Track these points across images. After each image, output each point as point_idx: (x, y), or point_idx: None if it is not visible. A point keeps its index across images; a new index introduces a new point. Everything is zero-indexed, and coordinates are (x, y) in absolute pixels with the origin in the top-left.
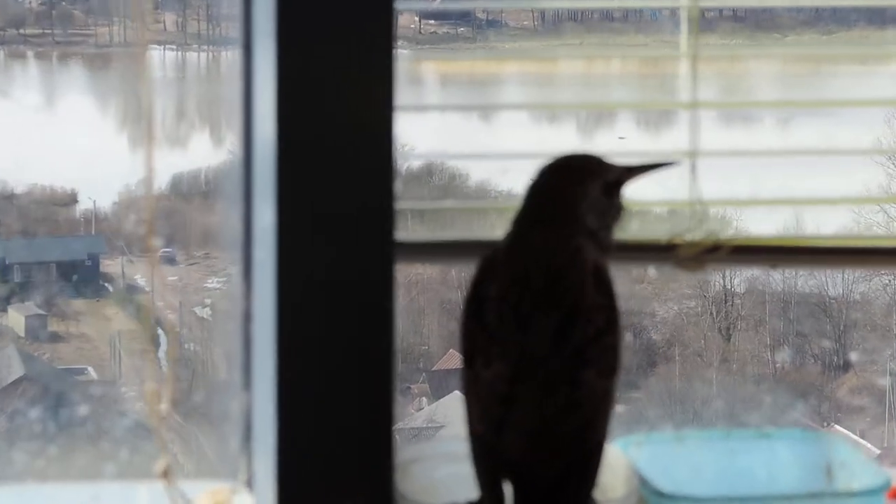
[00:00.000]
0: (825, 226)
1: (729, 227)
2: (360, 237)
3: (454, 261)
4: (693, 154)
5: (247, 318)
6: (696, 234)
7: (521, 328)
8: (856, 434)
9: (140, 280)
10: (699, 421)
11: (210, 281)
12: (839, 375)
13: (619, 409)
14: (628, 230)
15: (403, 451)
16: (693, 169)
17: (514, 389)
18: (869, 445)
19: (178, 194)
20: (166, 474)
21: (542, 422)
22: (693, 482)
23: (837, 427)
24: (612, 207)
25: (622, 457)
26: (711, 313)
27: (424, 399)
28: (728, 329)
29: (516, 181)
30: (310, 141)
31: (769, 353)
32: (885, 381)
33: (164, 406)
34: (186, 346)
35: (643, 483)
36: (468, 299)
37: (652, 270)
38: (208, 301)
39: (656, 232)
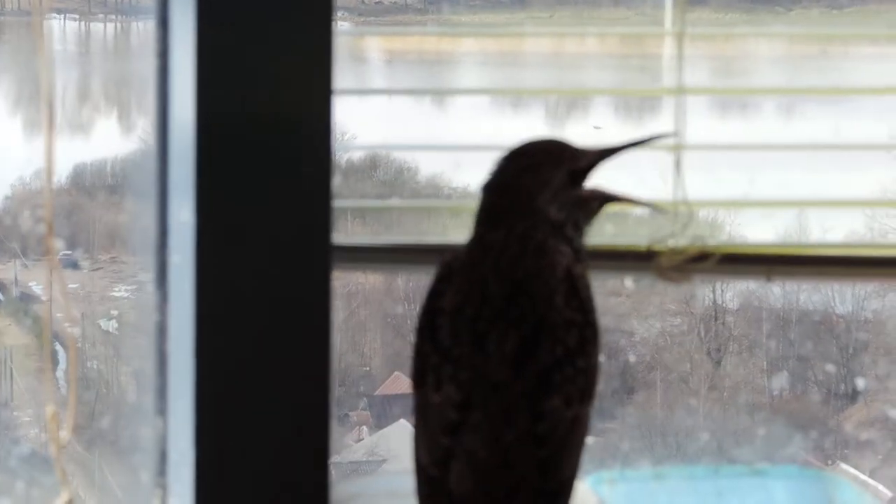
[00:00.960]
0: (832, 231)
1: (719, 233)
2: (293, 240)
3: (401, 267)
4: (678, 147)
5: (161, 332)
6: (680, 240)
7: (478, 346)
8: (865, 473)
9: (36, 288)
10: (682, 456)
11: (117, 289)
12: (846, 406)
13: (590, 441)
14: (602, 234)
15: (341, 488)
16: (678, 164)
17: (465, 417)
18: (880, 487)
19: (81, 188)
20: None
21: (496, 456)
22: None
23: (843, 465)
24: (583, 202)
25: (592, 496)
26: (699, 332)
27: (365, 428)
28: (718, 351)
29: (473, 176)
30: (234, 128)
31: (765, 380)
32: None
33: (64, 433)
34: (89, 363)
35: None
36: (422, 312)
37: (629, 282)
38: (115, 312)
39: (635, 237)
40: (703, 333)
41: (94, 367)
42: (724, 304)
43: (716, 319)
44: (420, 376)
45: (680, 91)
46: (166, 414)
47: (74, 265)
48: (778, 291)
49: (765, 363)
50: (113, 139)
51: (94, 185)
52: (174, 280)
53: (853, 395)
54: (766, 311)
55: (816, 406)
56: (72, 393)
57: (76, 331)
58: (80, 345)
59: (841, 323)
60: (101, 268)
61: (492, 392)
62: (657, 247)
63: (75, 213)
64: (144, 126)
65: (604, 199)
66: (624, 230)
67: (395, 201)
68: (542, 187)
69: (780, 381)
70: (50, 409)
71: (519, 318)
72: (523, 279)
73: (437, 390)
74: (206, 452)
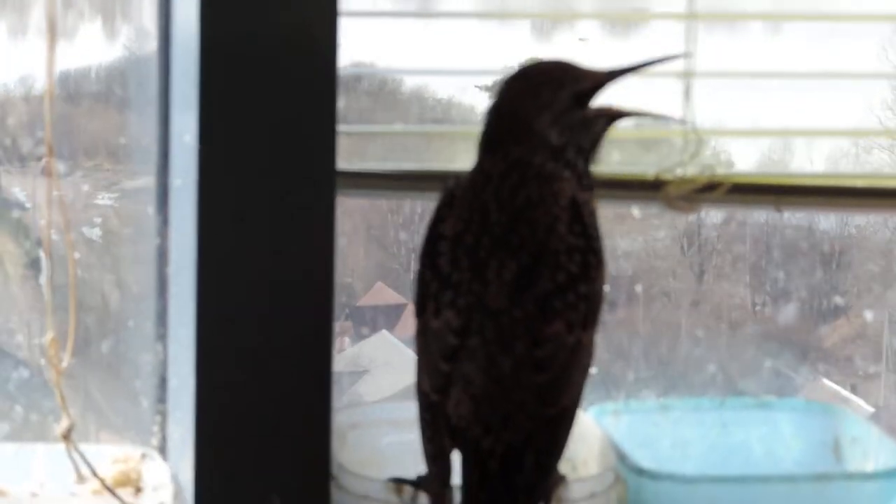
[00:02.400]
0: (842, 160)
1: (726, 161)
2: (298, 165)
3: (405, 195)
4: (688, 73)
5: (161, 257)
6: (689, 169)
7: (477, 273)
8: (846, 388)
9: (20, 194)
10: (665, 370)
11: (101, 197)
12: (829, 321)
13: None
14: (608, 162)
15: (341, 416)
16: (687, 91)
17: (464, 343)
18: (861, 402)
19: (65, 96)
20: (67, 436)
21: (493, 382)
22: (679, 458)
23: (825, 380)
24: (588, 123)
25: (596, 428)
26: (682, 247)
27: (347, 339)
28: (701, 265)
29: (460, 95)
30: (238, 47)
31: (748, 295)
32: (882, 330)
33: (62, 357)
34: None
35: (621, 458)
36: (424, 238)
37: (636, 210)
38: (98, 220)
39: (641, 165)
40: (686, 248)
41: (78, 274)
42: (707, 218)
43: (699, 234)
44: (421, 303)
45: (691, 16)
46: (166, 340)
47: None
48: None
49: (748, 277)
50: (97, 45)
51: (77, 92)
52: (175, 204)
53: (836, 312)
54: (749, 226)
55: (799, 322)
56: (72, 315)
57: (60, 238)
58: (63, 253)
59: (825, 238)
60: (86, 175)
61: (490, 319)
62: (665, 175)
63: (59, 121)
64: (128, 33)
65: (611, 116)
66: (631, 158)
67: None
68: (540, 110)
69: (763, 296)
70: (49, 335)
71: (518, 246)
72: (523, 207)
73: (437, 316)
74: (207, 376)
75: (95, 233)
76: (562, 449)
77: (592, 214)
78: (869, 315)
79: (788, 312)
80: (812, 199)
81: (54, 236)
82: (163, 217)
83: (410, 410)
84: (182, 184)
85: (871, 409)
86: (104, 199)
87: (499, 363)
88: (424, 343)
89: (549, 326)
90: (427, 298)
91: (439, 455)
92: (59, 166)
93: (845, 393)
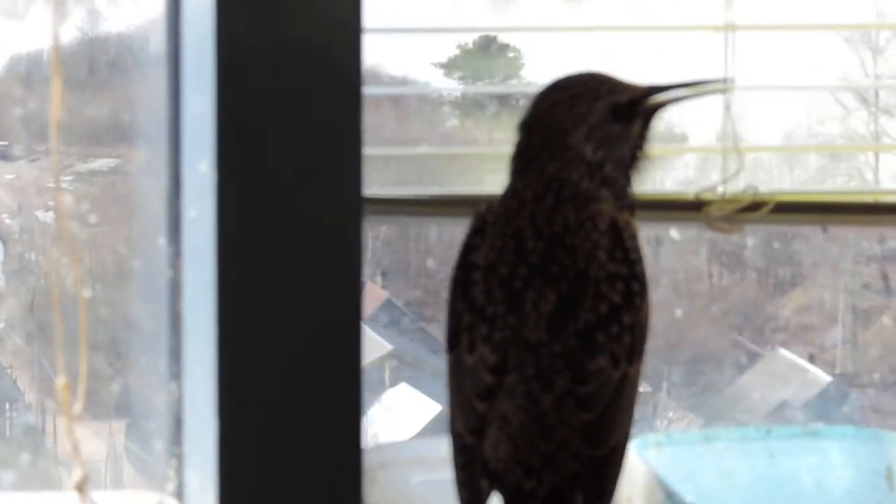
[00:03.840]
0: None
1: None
2: (322, 191)
3: (433, 220)
4: (728, 89)
5: (174, 290)
6: (731, 188)
7: (513, 306)
8: (804, 358)
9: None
10: None
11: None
12: (786, 292)
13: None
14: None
15: (371, 455)
16: (728, 106)
17: (501, 380)
18: (820, 372)
19: (15, 77)
20: (82, 488)
21: (533, 422)
22: (724, 491)
23: (782, 350)
24: (628, 137)
25: (640, 462)
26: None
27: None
28: (657, 238)
29: None
30: (257, 60)
31: (705, 266)
32: (838, 299)
33: (76, 405)
34: (27, 255)
35: (667, 494)
36: (455, 267)
37: (674, 232)
38: (52, 203)
39: (680, 184)
40: None
41: (33, 258)
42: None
43: None
44: (453, 336)
45: (730, 27)
46: (181, 378)
47: (5, 156)
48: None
49: (704, 251)
50: (48, 27)
51: (30, 75)
52: (189, 236)
53: (792, 281)
54: None
55: (755, 292)
56: (83, 357)
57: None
58: (17, 236)
59: None
60: (38, 159)
61: (528, 354)
62: (706, 195)
63: (9, 104)
64: (81, 15)
65: (649, 110)
66: (671, 176)
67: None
68: (576, 123)
69: (720, 267)
70: (61, 380)
71: (557, 275)
72: (561, 233)
73: (471, 352)
74: (229, 419)
75: (50, 216)
76: (613, 490)
77: (634, 237)
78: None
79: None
80: (858, 216)
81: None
82: (175, 249)
83: (440, 448)
84: (197, 215)
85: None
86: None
87: (539, 401)
88: (458, 380)
89: (593, 361)
90: (460, 332)
91: (475, 500)
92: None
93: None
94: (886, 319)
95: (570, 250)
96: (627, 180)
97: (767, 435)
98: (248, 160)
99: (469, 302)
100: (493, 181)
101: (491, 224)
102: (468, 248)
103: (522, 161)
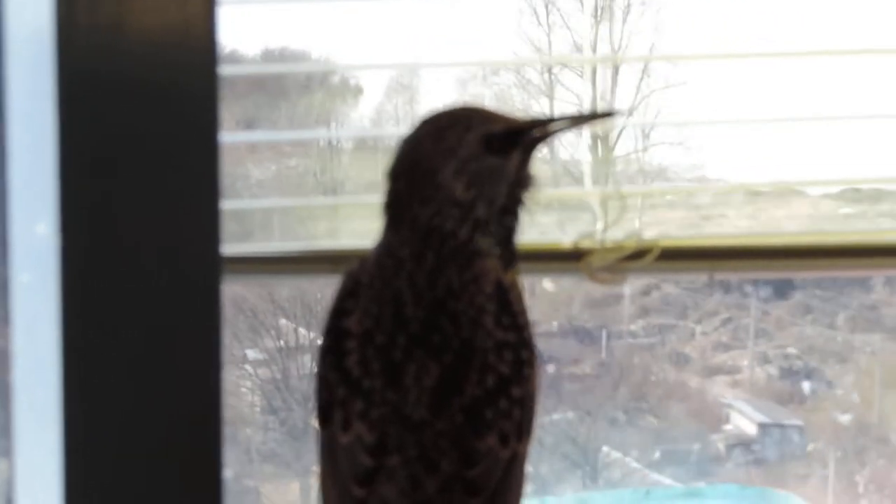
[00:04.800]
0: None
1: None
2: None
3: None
4: (604, 122)
5: (2, 361)
6: (611, 235)
7: (393, 379)
8: None
9: None
10: None
11: None
12: None
13: None
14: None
15: None
16: (607, 145)
17: (381, 462)
18: None
19: None
20: None
21: None
22: None
23: None
24: (503, 174)
25: None
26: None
27: None
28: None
29: None
30: None
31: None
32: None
33: None
34: None
35: None
36: (325, 332)
37: (548, 283)
38: None
39: (555, 232)
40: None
41: None
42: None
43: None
44: (326, 411)
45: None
46: (12, 455)
47: None
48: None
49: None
50: None
51: None
52: (20, 302)
53: None
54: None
55: None
56: None
57: None
58: None
59: None
60: None
61: (410, 434)
62: (585, 244)
63: None
64: None
65: (529, 143)
66: (545, 225)
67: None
68: (445, 158)
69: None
70: None
71: (440, 345)
72: (444, 298)
73: (346, 430)
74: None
75: None
76: None
77: (521, 299)
78: None
79: None
80: (750, 262)
81: None
82: (2, 315)
83: None
84: (31, 279)
85: None
86: None
87: (423, 486)
88: (331, 461)
89: (481, 441)
90: (332, 406)
91: None
92: None
93: None
94: None
95: (454, 317)
96: (505, 226)
97: (646, 497)
98: (95, 218)
99: (342, 373)
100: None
101: (365, 286)
102: (339, 313)
103: (394, 210)
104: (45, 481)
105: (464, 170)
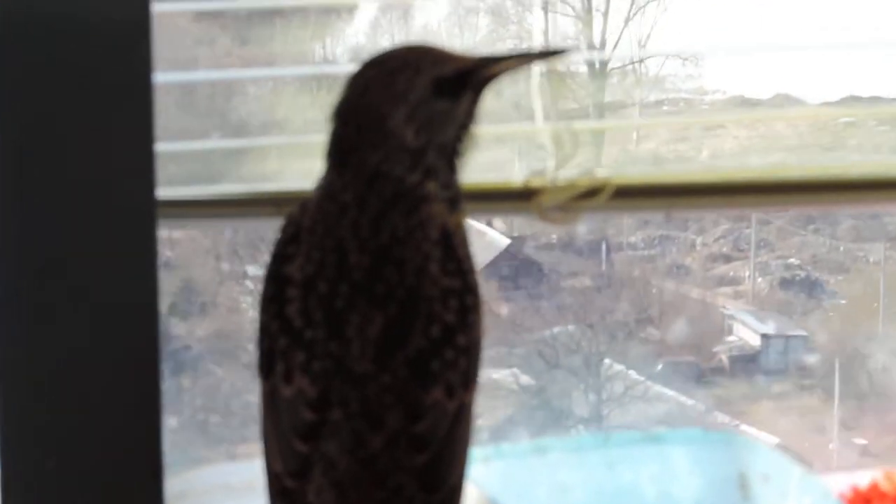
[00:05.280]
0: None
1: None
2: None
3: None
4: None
5: None
6: (564, 173)
7: (336, 330)
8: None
9: None
10: None
11: None
12: None
13: None
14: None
15: (169, 485)
16: (555, 82)
17: (325, 417)
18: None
19: None
20: None
21: (363, 466)
22: None
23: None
24: (454, 117)
25: (473, 488)
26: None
27: None
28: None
29: None
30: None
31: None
32: None
33: None
34: None
35: None
36: (266, 278)
37: (499, 223)
38: None
39: (505, 171)
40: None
41: None
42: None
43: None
44: (268, 362)
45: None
46: None
47: None
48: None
49: None
50: None
51: None
52: None
53: None
54: None
55: None
56: None
57: None
58: None
59: None
60: None
61: (353, 387)
62: (536, 182)
63: None
64: None
65: (479, 82)
66: (495, 163)
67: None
68: (395, 103)
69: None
70: None
71: (384, 295)
72: (388, 245)
73: (288, 382)
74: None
75: None
76: None
77: (466, 243)
78: None
79: None
80: (710, 199)
81: None
82: None
83: (243, 472)
84: None
85: None
86: None
87: (367, 442)
88: (273, 414)
89: (428, 394)
90: (274, 357)
91: None
92: None
93: None
94: None
95: (399, 265)
96: (452, 168)
97: (605, 443)
98: (29, 164)
99: (284, 322)
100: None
101: (307, 230)
102: (281, 259)
103: (339, 153)
104: None
105: (414, 116)
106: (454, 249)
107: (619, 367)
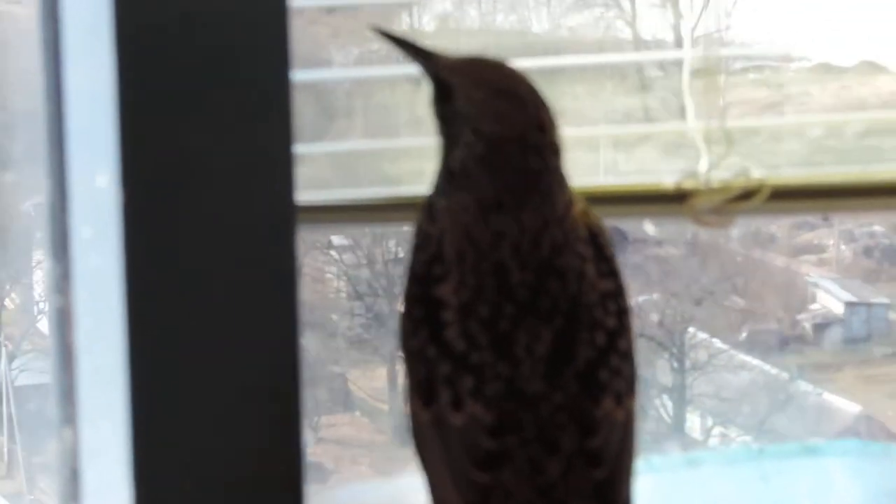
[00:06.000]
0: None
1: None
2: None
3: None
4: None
5: (62, 320)
6: (718, 174)
7: (503, 351)
8: None
9: None
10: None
11: None
12: None
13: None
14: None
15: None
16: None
17: (503, 443)
18: None
19: None
20: None
21: (542, 495)
22: None
23: None
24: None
25: None
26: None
27: None
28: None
29: None
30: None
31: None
32: None
33: None
34: None
35: None
36: (411, 299)
37: (650, 227)
38: None
39: (656, 173)
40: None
41: None
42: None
43: None
44: (427, 389)
45: None
46: (76, 423)
47: None
48: (475, 13)
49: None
50: None
51: None
52: (81, 257)
53: None
54: (463, 32)
55: None
56: None
57: None
58: None
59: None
60: None
61: (527, 409)
62: (689, 184)
63: None
64: None
65: None
66: (644, 165)
67: None
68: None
69: None
70: None
71: (551, 308)
72: (550, 257)
73: (458, 409)
74: (143, 474)
75: None
76: None
77: (610, 242)
78: None
79: None
80: (867, 201)
81: None
82: (62, 269)
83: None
84: (92, 235)
85: None
86: None
87: (545, 468)
88: (443, 444)
89: (598, 406)
90: (435, 383)
91: None
92: None
93: None
94: None
95: (562, 275)
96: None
97: (759, 455)
98: (157, 167)
99: (443, 347)
100: None
101: (455, 255)
102: (428, 280)
103: (492, 160)
104: (111, 450)
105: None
106: (603, 249)
107: (702, 335)
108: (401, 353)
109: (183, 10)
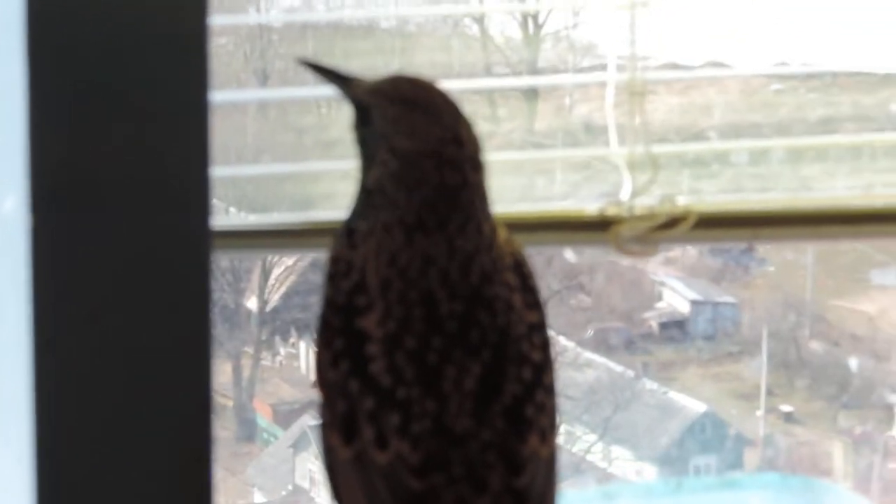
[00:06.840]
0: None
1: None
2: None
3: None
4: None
5: None
6: (643, 201)
7: (430, 387)
8: None
9: None
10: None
11: None
12: None
13: None
14: (535, 197)
15: None
16: (638, 97)
17: (430, 482)
18: None
19: None
20: None
21: None
22: None
23: None
24: None
25: None
26: (245, 52)
27: None
28: (264, 71)
29: None
30: None
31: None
32: None
33: None
34: None
35: None
36: (330, 329)
37: (569, 254)
38: None
39: (579, 199)
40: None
41: None
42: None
43: (261, 37)
44: (348, 424)
45: None
46: None
47: None
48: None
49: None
50: None
51: None
52: None
53: None
54: (311, 28)
55: None
56: None
57: None
58: None
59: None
60: None
61: (454, 448)
62: (613, 212)
63: None
64: None
65: None
66: (568, 191)
67: None
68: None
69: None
70: None
71: (480, 341)
72: (479, 285)
73: (382, 447)
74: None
75: None
76: None
77: (532, 270)
78: None
79: None
80: (795, 229)
81: None
82: None
83: None
84: None
85: None
86: None
87: None
88: (364, 482)
89: (525, 444)
90: (358, 418)
91: None
92: None
93: None
94: None
95: (490, 305)
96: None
97: (677, 489)
98: (67, 191)
99: (367, 381)
100: None
101: (380, 284)
102: (350, 311)
103: (411, 180)
104: (13, 488)
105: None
106: (527, 278)
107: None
108: (315, 385)
109: (96, 32)
